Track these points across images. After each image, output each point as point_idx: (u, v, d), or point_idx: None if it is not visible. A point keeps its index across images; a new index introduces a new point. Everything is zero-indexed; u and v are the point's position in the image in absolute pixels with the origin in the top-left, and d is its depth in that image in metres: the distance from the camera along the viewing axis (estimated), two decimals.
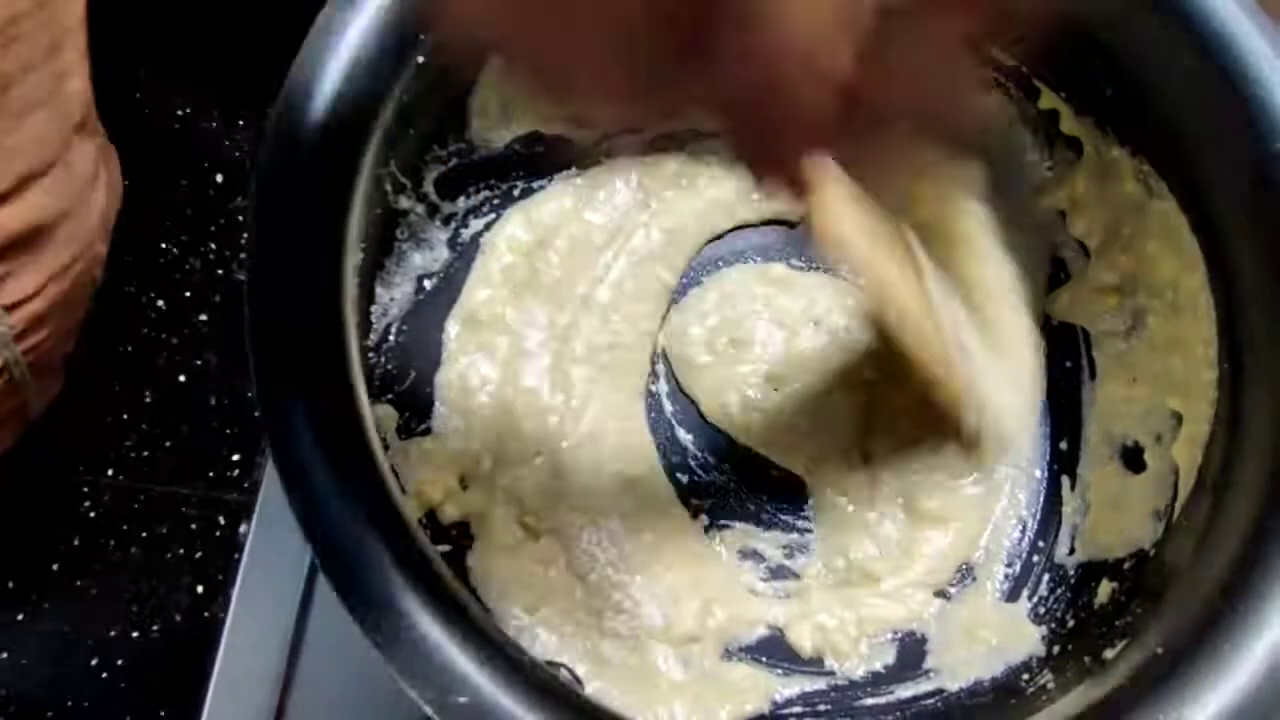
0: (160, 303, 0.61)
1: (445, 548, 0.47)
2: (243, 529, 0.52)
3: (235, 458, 0.58)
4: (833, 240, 0.32)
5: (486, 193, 0.53)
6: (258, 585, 0.50)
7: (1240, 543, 0.38)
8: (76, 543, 0.57)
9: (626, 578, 0.48)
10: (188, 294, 0.61)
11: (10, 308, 0.43)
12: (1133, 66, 0.44)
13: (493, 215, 0.54)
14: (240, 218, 0.63)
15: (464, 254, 0.53)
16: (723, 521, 0.50)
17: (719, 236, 0.55)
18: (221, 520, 0.57)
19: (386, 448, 0.41)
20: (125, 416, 0.59)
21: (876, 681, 0.47)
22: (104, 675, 0.54)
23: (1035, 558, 0.50)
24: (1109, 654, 0.41)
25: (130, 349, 0.60)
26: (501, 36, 0.27)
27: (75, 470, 0.58)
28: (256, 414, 0.37)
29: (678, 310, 0.53)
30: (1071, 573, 0.48)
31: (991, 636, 0.47)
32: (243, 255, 0.53)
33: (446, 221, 0.52)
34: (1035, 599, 0.49)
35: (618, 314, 0.53)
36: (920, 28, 0.26)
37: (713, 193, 0.55)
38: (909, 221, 0.39)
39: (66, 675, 0.54)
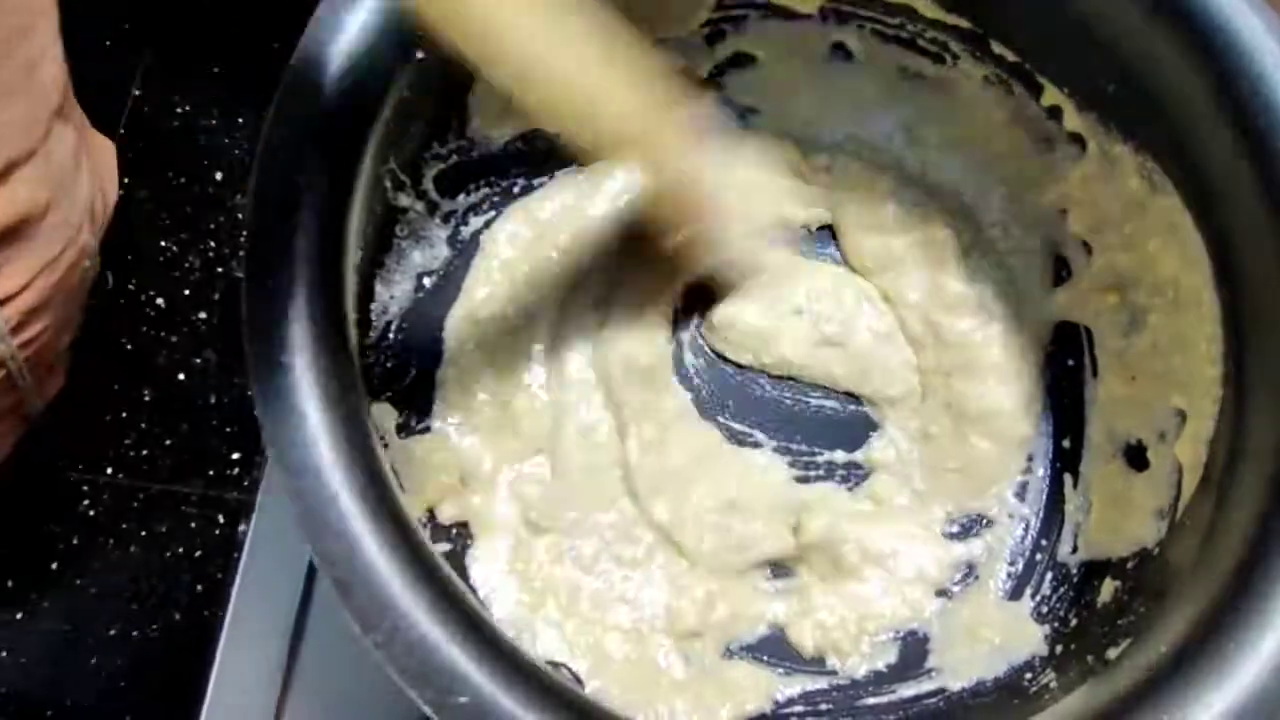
0: (160, 301, 0.61)
1: (445, 547, 0.46)
2: (242, 528, 0.52)
3: (235, 456, 0.58)
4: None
5: (486, 190, 0.53)
6: (257, 584, 0.50)
7: (1244, 541, 0.38)
8: (76, 542, 0.57)
9: (629, 570, 0.48)
10: (187, 292, 0.61)
11: (2, 302, 0.43)
12: (1136, 62, 0.44)
13: (493, 212, 0.53)
14: (239, 216, 0.63)
15: (464, 251, 0.53)
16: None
17: None
18: (221, 519, 0.57)
19: (386, 446, 0.41)
20: (124, 415, 0.59)
21: (878, 681, 0.47)
22: (103, 674, 0.54)
23: (1038, 556, 0.50)
24: (1112, 653, 0.41)
25: (130, 347, 0.60)
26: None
27: (74, 469, 0.58)
28: (256, 412, 0.37)
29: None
30: (1074, 571, 0.48)
31: (994, 635, 0.47)
32: (242, 253, 0.53)
33: (446, 219, 0.52)
34: (1038, 598, 0.49)
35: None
36: None
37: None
38: None
39: (66, 674, 0.55)
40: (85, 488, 0.57)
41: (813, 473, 0.51)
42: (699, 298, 0.53)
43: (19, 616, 0.55)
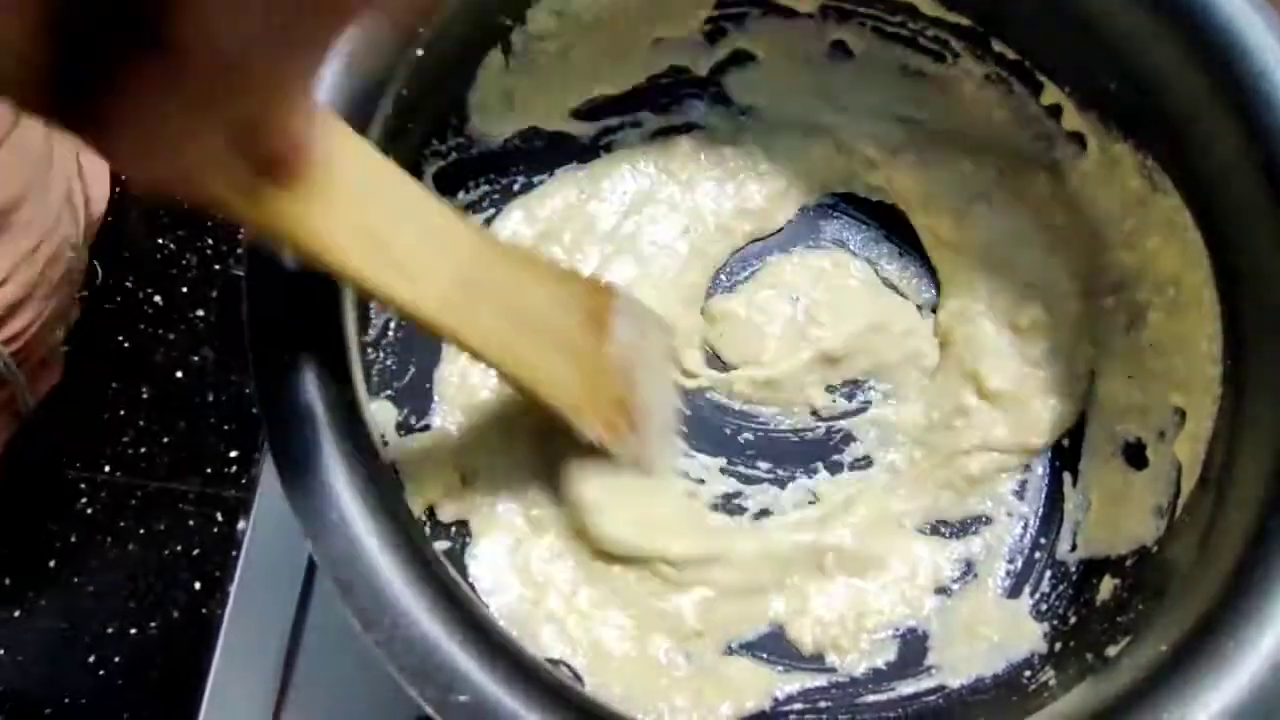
0: (157, 298, 0.61)
1: (445, 545, 0.46)
2: (240, 525, 0.52)
3: (233, 454, 0.58)
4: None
5: (486, 187, 0.53)
6: (256, 582, 0.50)
7: (1243, 539, 0.38)
8: (74, 540, 0.57)
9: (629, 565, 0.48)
10: (184, 290, 0.61)
11: None
12: (1137, 60, 0.44)
13: (493, 210, 0.53)
14: None
15: None
16: None
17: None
18: (219, 517, 0.57)
19: (386, 444, 0.41)
20: (122, 413, 0.59)
21: (877, 678, 0.47)
22: (101, 672, 0.54)
23: (1037, 554, 0.50)
24: (1111, 651, 0.41)
25: (127, 345, 0.60)
26: None
27: (72, 467, 0.58)
28: (254, 410, 0.36)
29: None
30: (1073, 569, 0.48)
31: (993, 633, 0.47)
32: (240, 251, 0.53)
33: None
34: (1037, 595, 0.49)
35: None
36: None
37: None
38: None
39: (64, 672, 0.54)
40: (83, 485, 0.57)
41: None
42: None
43: (17, 614, 0.55)
